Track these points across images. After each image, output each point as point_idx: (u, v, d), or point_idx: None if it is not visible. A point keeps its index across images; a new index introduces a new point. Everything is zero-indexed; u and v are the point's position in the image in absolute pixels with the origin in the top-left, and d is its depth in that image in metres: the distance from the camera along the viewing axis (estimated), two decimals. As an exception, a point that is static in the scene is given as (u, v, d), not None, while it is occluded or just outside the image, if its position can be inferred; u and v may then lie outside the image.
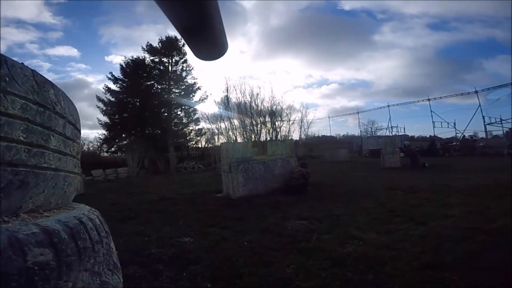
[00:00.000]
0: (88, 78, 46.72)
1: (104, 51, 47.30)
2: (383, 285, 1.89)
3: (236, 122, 23.78)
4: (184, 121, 23.78)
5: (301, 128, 27.66)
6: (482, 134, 20.09)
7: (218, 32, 0.58)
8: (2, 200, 0.45)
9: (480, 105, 19.45)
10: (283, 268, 2.31)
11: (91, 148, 24.47)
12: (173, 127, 22.74)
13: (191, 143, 24.84)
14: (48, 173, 0.53)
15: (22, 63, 0.50)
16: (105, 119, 21.76)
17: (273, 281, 2.08)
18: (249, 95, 23.93)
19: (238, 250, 2.73)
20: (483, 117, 19.23)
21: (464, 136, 20.60)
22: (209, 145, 24.63)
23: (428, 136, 24.37)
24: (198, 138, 24.89)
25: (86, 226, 0.53)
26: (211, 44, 0.60)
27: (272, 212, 4.39)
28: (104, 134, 22.10)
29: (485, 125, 19.20)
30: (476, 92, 20.02)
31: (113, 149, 23.03)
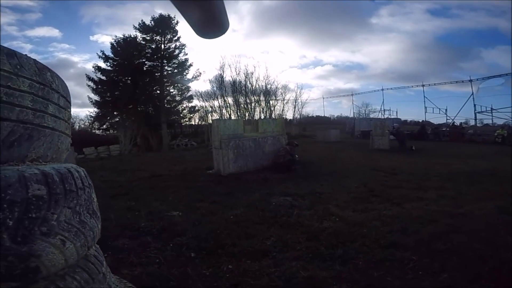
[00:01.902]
0: (73, 58, 45.72)
1: (87, 31, 45.89)
2: (349, 260, 2.10)
3: (230, 100, 23.63)
4: (177, 98, 23.76)
5: (295, 107, 27.80)
6: (472, 122, 20.74)
7: (219, 9, 0.60)
8: (16, 148, 0.63)
9: (473, 93, 19.92)
10: (263, 240, 2.52)
11: (83, 126, 24.14)
12: (166, 105, 22.73)
13: (184, 120, 25.01)
14: (47, 131, 0.71)
15: (26, 55, 0.70)
16: (95, 97, 21.59)
17: (252, 251, 2.29)
18: (244, 73, 23.64)
19: (223, 223, 2.94)
20: (475, 105, 19.74)
21: (454, 122, 21.10)
22: (203, 123, 24.72)
23: (420, 120, 24.89)
24: (191, 115, 25.07)
25: (73, 175, 0.68)
26: (211, 21, 0.62)
27: (259, 188, 4.60)
28: (96, 111, 22.03)
29: (475, 113, 19.76)
30: (470, 80, 20.42)
31: (105, 126, 22.92)
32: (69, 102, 0.88)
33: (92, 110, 22.36)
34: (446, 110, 22.22)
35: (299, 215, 3.20)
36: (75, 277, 0.66)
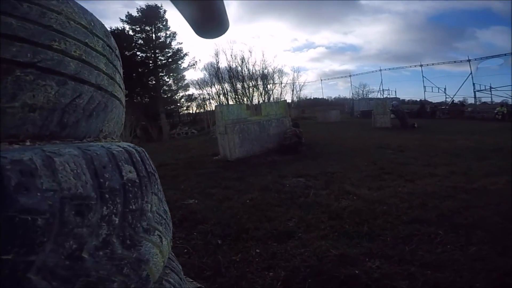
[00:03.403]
0: None
1: None
2: (376, 236, 2.12)
3: (227, 86, 23.32)
4: (173, 87, 23.60)
5: (293, 91, 27.59)
6: (471, 100, 20.86)
7: (219, 8, 0.58)
8: (94, 119, 0.51)
9: (471, 72, 20.05)
10: (285, 222, 2.53)
11: None
12: (162, 94, 22.57)
13: (182, 109, 24.96)
14: (117, 102, 0.59)
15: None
16: None
17: (277, 234, 2.30)
18: (240, 59, 23.22)
19: (241, 208, 2.93)
20: (473, 84, 19.90)
21: (453, 101, 21.20)
22: (201, 111, 24.57)
23: (418, 100, 24.97)
24: (189, 104, 25.00)
25: (146, 155, 0.57)
26: (211, 20, 0.61)
27: (269, 171, 4.59)
28: None
29: (474, 92, 19.94)
30: (468, 60, 20.46)
31: None
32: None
33: None
34: (445, 89, 22.38)
35: (316, 195, 3.21)
36: (169, 280, 0.57)
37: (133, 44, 21.55)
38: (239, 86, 23.06)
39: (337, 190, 3.34)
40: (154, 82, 22.22)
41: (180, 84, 23.64)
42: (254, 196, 3.28)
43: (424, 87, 23.07)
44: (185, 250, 2.16)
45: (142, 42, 21.63)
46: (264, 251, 2.06)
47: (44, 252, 0.30)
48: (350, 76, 29.25)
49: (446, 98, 22.35)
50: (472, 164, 4.45)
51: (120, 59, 0.66)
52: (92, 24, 0.52)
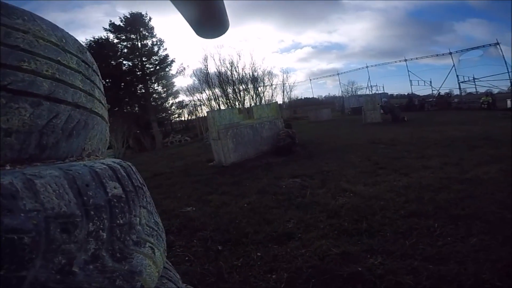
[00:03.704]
0: None
1: None
2: (376, 232, 2.12)
3: (217, 91, 23.32)
4: (163, 95, 23.35)
5: (283, 92, 27.72)
6: (456, 92, 21.48)
7: (219, 8, 0.59)
8: (75, 138, 0.50)
9: (454, 65, 20.66)
10: (284, 223, 2.51)
11: None
12: (152, 102, 22.32)
13: (173, 116, 24.79)
14: (98, 118, 0.59)
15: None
16: None
17: (277, 236, 2.28)
18: (228, 63, 23.29)
19: (239, 212, 2.91)
20: (457, 76, 20.49)
21: (439, 93, 21.74)
22: (192, 117, 24.47)
23: (406, 93, 25.55)
24: (180, 111, 24.86)
25: (132, 169, 0.57)
26: (211, 20, 0.61)
27: (265, 173, 4.58)
28: None
29: (459, 83, 20.53)
30: (450, 53, 21.07)
31: None
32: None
33: None
34: (430, 82, 23.00)
35: (313, 194, 3.20)
36: None
37: (119, 53, 21.27)
38: (229, 90, 23.07)
39: (334, 188, 3.35)
40: (143, 90, 21.98)
41: (169, 91, 23.45)
42: (252, 200, 3.26)
43: (410, 81, 23.71)
44: (186, 258, 2.12)
45: (127, 50, 21.35)
46: (265, 254, 2.04)
47: (35, 268, 0.31)
48: (338, 74, 29.70)
49: (432, 90, 22.94)
50: (463, 154, 4.53)
51: (98, 74, 0.65)
52: (64, 40, 0.51)
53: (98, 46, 20.34)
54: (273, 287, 1.66)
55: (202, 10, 0.57)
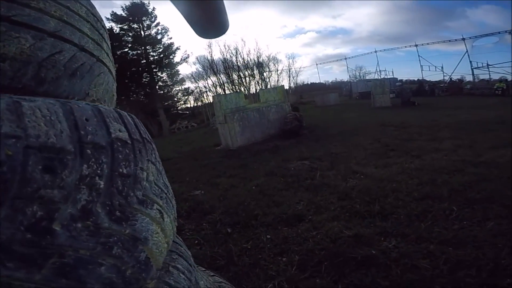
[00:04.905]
0: None
1: None
2: (389, 215, 2.07)
3: (223, 77, 23.07)
4: (168, 82, 23.30)
5: (289, 77, 27.18)
6: (469, 78, 20.89)
7: (219, 9, 0.59)
8: (78, 80, 0.48)
9: (467, 51, 19.95)
10: (293, 205, 2.48)
11: None
12: (158, 90, 22.31)
13: (179, 103, 24.78)
14: (106, 69, 0.58)
15: None
16: None
17: (286, 218, 2.25)
18: (233, 49, 22.89)
19: (248, 195, 2.88)
20: (470, 62, 19.80)
21: (451, 78, 21.17)
22: (199, 103, 24.44)
23: (416, 79, 24.92)
24: (186, 97, 24.79)
25: (141, 123, 0.53)
26: (212, 21, 0.62)
27: (272, 156, 4.53)
28: None
29: (472, 69, 19.85)
30: (463, 39, 20.42)
31: None
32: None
33: None
34: (442, 67, 22.33)
35: (322, 176, 3.15)
36: (177, 267, 0.49)
37: (123, 43, 21.25)
38: (235, 76, 22.80)
39: (344, 170, 3.28)
40: (148, 78, 22.04)
41: (175, 78, 23.45)
42: (260, 182, 3.23)
43: (421, 66, 22.99)
44: (196, 241, 2.11)
45: (131, 40, 21.33)
46: (275, 236, 2.01)
47: None
48: (345, 59, 28.92)
49: (444, 76, 22.31)
50: (477, 137, 4.38)
51: (107, 31, 0.64)
52: None
53: None
54: (283, 270, 1.63)
55: (202, 11, 0.58)
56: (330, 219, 2.12)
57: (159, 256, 0.41)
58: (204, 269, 1.07)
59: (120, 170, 0.36)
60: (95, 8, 0.59)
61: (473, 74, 20.05)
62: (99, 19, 0.59)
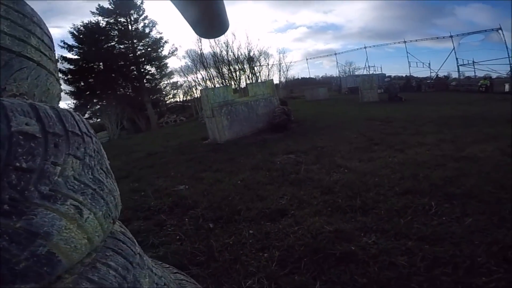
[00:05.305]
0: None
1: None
2: (370, 210, 2.08)
3: (213, 71, 22.75)
4: (157, 76, 22.92)
5: (280, 71, 27.07)
6: (455, 75, 21.42)
7: (219, 9, 0.60)
8: None
9: (454, 48, 20.49)
10: (277, 199, 2.47)
11: None
12: (146, 84, 21.94)
13: (168, 97, 24.53)
14: (30, 63, 0.57)
15: None
16: (69, 88, 20.45)
17: (269, 213, 2.23)
18: (224, 43, 22.57)
19: (233, 189, 2.85)
20: (457, 59, 20.33)
21: (437, 75, 21.66)
22: (188, 98, 24.14)
23: (404, 75, 25.39)
24: (175, 91, 24.48)
25: (74, 116, 0.50)
26: (211, 20, 0.62)
27: (260, 150, 4.51)
28: (74, 102, 21.07)
29: (458, 66, 20.38)
30: (451, 36, 20.91)
31: (87, 115, 22.14)
32: (53, 44, 0.74)
33: (70, 102, 21.45)
34: (429, 64, 22.98)
35: (307, 170, 3.15)
36: (109, 264, 0.48)
37: (110, 37, 20.72)
38: (225, 70, 22.53)
39: (328, 164, 3.29)
40: (135, 72, 21.60)
41: (163, 72, 23.03)
42: (245, 176, 3.20)
43: (409, 62, 23.52)
44: (177, 237, 2.07)
45: (118, 33, 20.82)
46: (258, 231, 2.00)
47: None
48: (335, 54, 29.14)
49: (430, 72, 22.90)
50: (459, 131, 4.48)
51: (42, 27, 0.64)
52: None
53: (88, 31, 19.84)
54: (264, 266, 1.61)
55: (202, 10, 0.58)
56: (312, 214, 2.12)
57: (73, 252, 0.41)
58: (168, 266, 1.04)
59: (17, 164, 0.36)
60: (23, 4, 0.59)
61: (458, 71, 20.67)
62: (27, 15, 0.58)
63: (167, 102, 24.68)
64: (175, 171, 3.94)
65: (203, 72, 22.76)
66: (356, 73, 27.46)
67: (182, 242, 2.00)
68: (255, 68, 23.55)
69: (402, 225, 1.82)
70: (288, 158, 3.76)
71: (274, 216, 2.18)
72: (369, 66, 26.26)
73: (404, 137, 4.38)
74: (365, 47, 26.03)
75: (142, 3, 21.17)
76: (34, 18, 0.61)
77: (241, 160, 3.98)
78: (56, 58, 0.75)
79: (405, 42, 23.35)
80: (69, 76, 20.15)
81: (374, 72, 25.10)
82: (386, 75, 25.74)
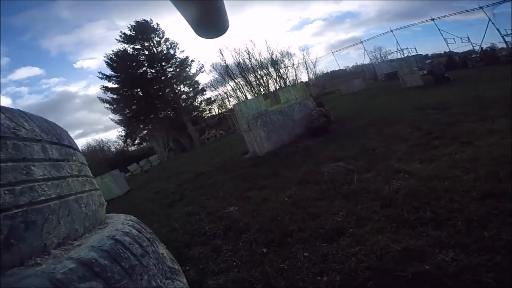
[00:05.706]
0: (70, 88, 44.62)
1: (65, 61, 42.03)
2: (444, 221, 1.80)
3: (240, 81, 23.31)
4: (190, 94, 23.98)
5: (307, 69, 26.53)
6: (501, 45, 18.88)
7: (219, 9, 0.60)
8: (20, 244, 0.43)
9: (490, 19, 18.68)
10: (331, 217, 2.29)
11: (118, 147, 25.37)
12: (182, 104, 23.02)
13: (205, 113, 25.47)
14: (51, 204, 0.50)
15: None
16: (117, 116, 22.22)
17: (324, 232, 2.08)
18: (245, 51, 23.09)
19: (281, 208, 2.74)
20: (498, 29, 18.26)
21: (482, 48, 19.08)
22: (223, 110, 25.08)
23: (442, 52, 22.98)
24: (210, 106, 25.42)
25: (124, 243, 0.49)
26: (212, 21, 0.63)
27: (303, 160, 4.34)
28: (123, 130, 22.81)
29: (503, 37, 18.14)
30: (481, 7, 19.20)
31: (137, 141, 24.07)
32: (71, 146, 0.69)
33: (120, 130, 23.37)
34: (468, 38, 20.57)
35: (360, 180, 2.89)
36: None
37: (140, 62, 22.07)
38: (251, 78, 22.91)
39: (384, 169, 2.97)
40: (171, 94, 22.81)
41: (196, 89, 24.07)
42: (292, 192, 3.07)
43: (445, 39, 21.42)
44: (234, 263, 2.05)
45: (146, 58, 22.10)
46: (313, 254, 1.86)
47: None
48: (361, 42, 27.71)
49: (473, 46, 20.56)
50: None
51: (40, 135, 0.56)
52: None
53: (119, 58, 21.35)
54: (325, 292, 1.49)
55: (202, 11, 0.58)
56: (374, 231, 1.91)
57: None
58: None
59: None
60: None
61: (505, 42, 18.24)
62: (5, 134, 0.51)
63: (205, 117, 25.80)
64: (223, 191, 3.99)
65: (231, 83, 23.48)
66: (389, 57, 25.81)
67: (239, 269, 1.96)
68: (281, 71, 23.52)
69: (487, 238, 1.53)
70: (337, 167, 3.52)
71: (330, 236, 2.02)
72: (401, 49, 24.66)
73: (468, 125, 3.80)
74: (391, 31, 24.67)
75: (158, 25, 22.33)
76: (20, 132, 0.54)
77: (285, 174, 3.87)
78: (82, 162, 0.70)
79: (433, 19, 21.75)
80: (114, 106, 21.81)
81: (409, 54, 23.34)
82: (423, 54, 23.66)
